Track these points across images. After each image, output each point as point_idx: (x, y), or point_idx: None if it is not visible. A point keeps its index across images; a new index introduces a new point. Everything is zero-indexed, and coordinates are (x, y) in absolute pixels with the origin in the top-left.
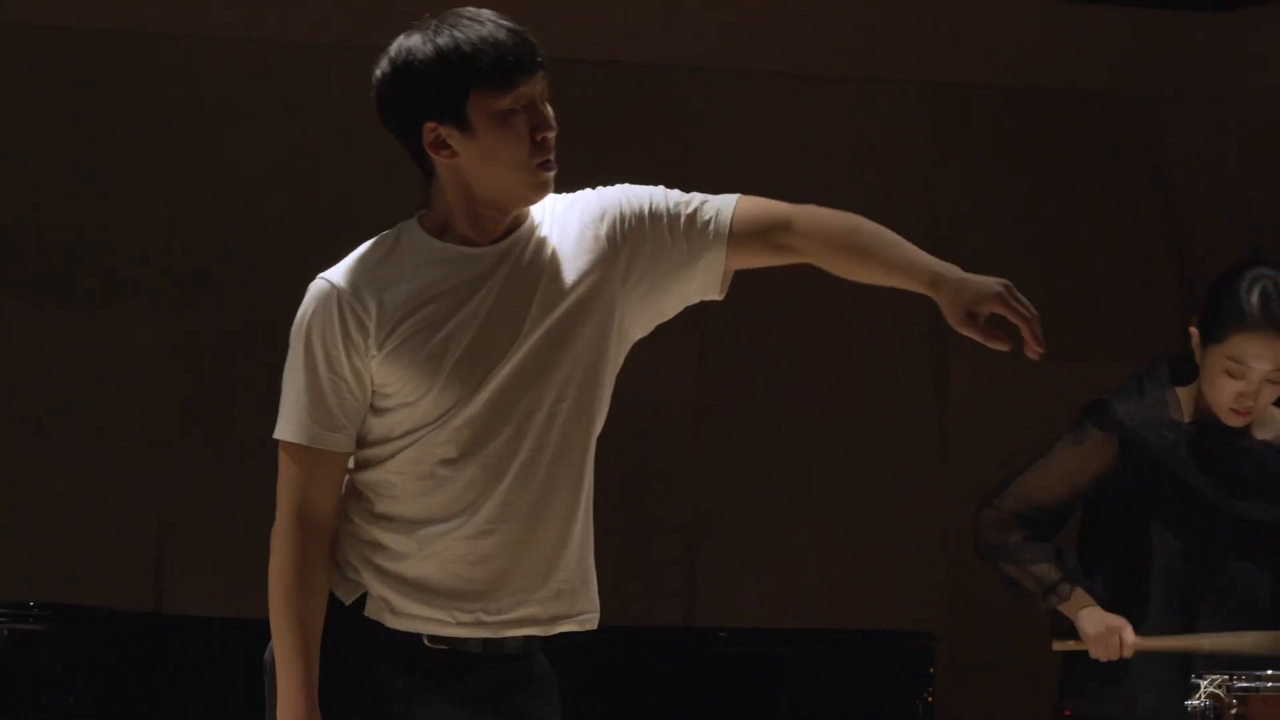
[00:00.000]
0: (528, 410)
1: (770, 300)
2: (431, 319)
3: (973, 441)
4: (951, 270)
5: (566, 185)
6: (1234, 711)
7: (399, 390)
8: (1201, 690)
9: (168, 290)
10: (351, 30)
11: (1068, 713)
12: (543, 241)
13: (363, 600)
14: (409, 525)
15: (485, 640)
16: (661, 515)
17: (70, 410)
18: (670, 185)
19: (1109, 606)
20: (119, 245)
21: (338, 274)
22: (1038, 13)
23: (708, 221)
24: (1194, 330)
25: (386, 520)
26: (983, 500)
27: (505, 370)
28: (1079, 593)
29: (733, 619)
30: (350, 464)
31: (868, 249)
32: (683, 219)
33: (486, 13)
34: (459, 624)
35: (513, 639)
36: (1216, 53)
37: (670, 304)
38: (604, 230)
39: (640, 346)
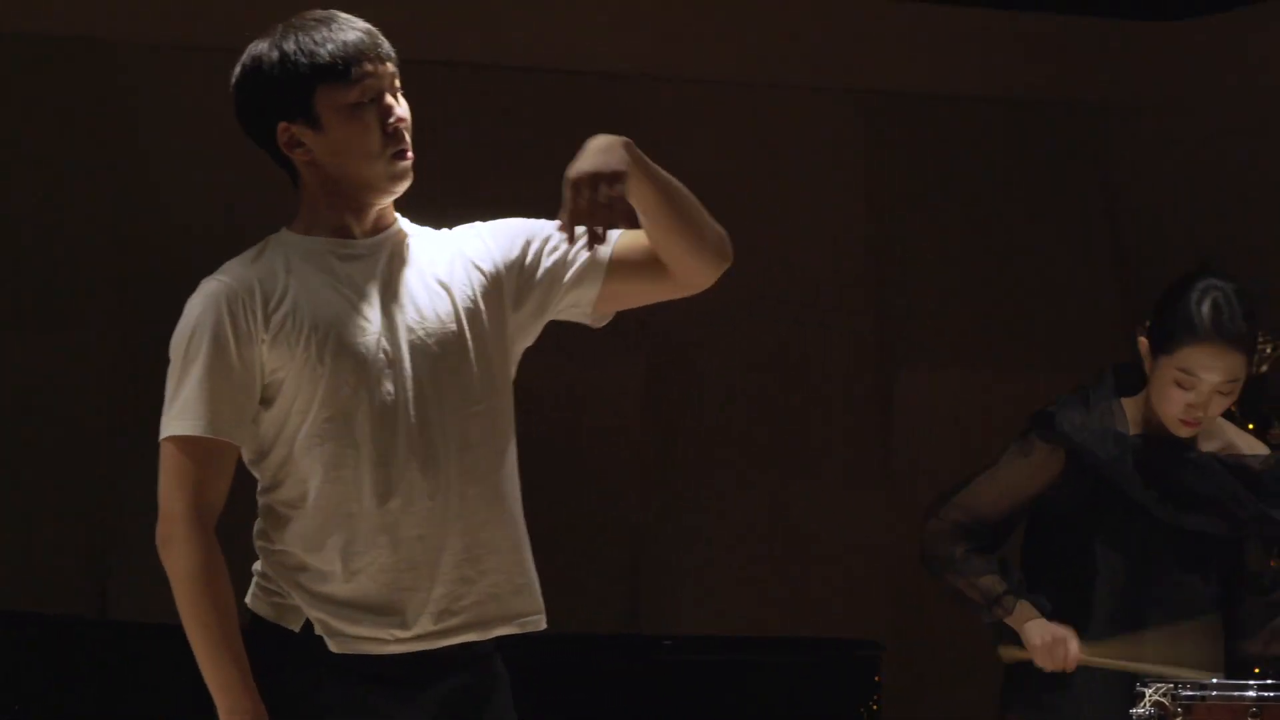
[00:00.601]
0: (426, 410)
1: (718, 312)
2: (311, 309)
3: (917, 451)
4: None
5: (513, 189)
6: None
7: (288, 381)
8: (1146, 699)
9: (110, 303)
10: None
11: None
12: (421, 245)
13: (309, 624)
14: (328, 540)
15: (425, 653)
16: (608, 525)
17: (13, 420)
18: None
19: (1053, 619)
20: (61, 262)
21: (220, 274)
22: (980, 22)
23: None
24: (1143, 340)
25: (305, 539)
26: (927, 511)
27: (398, 367)
28: (1024, 605)
29: (678, 628)
30: (261, 485)
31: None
32: (564, 248)
33: (335, 13)
34: (397, 640)
35: (452, 647)
36: (1159, 63)
37: (547, 319)
38: (493, 250)
39: (589, 357)
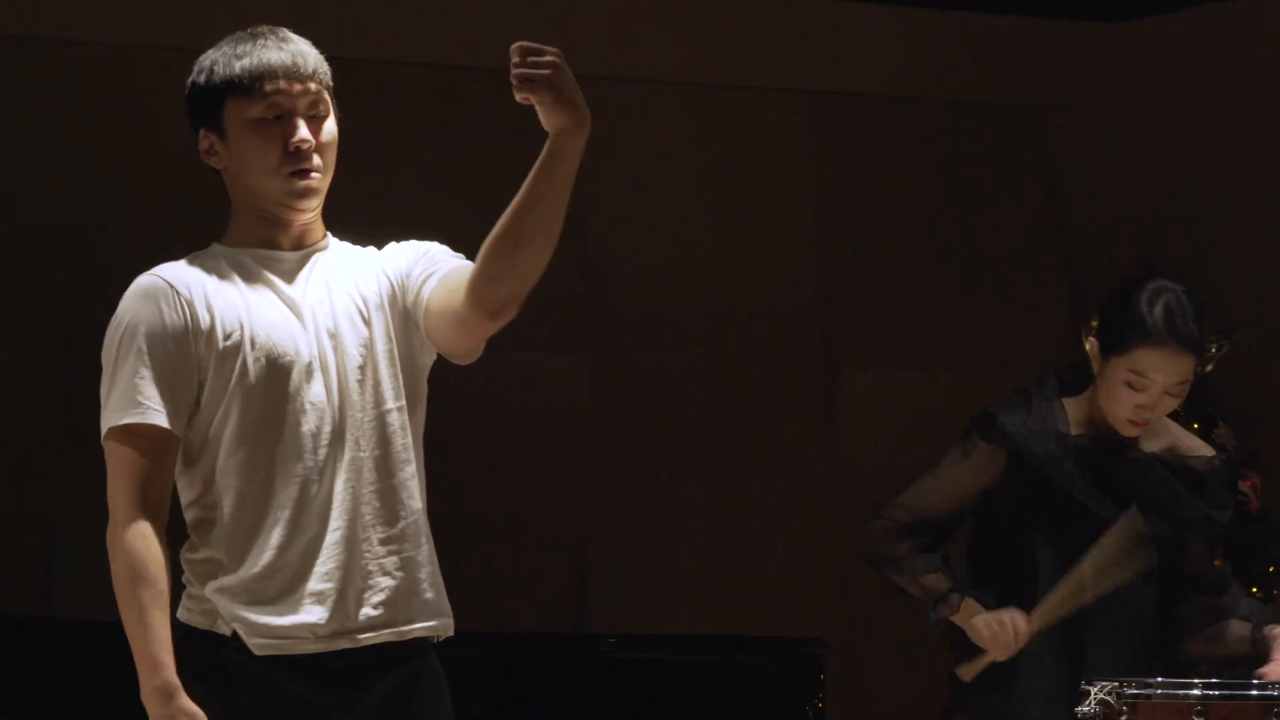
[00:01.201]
0: (346, 415)
1: (663, 310)
2: (238, 315)
3: (862, 449)
4: None
5: (451, 188)
6: (1124, 718)
7: (214, 383)
8: (1091, 697)
9: (54, 296)
10: None
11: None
12: (346, 260)
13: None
14: (247, 542)
15: (353, 652)
16: (554, 524)
17: None
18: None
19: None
20: (5, 252)
21: (154, 272)
22: (926, 23)
23: (418, 289)
24: (1091, 341)
25: (226, 542)
26: (870, 511)
27: (320, 373)
28: (968, 602)
29: (623, 626)
30: (186, 500)
31: (508, 215)
32: (412, 279)
33: (278, 30)
34: (316, 639)
35: (378, 647)
36: (1104, 65)
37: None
38: (396, 268)
39: (535, 356)
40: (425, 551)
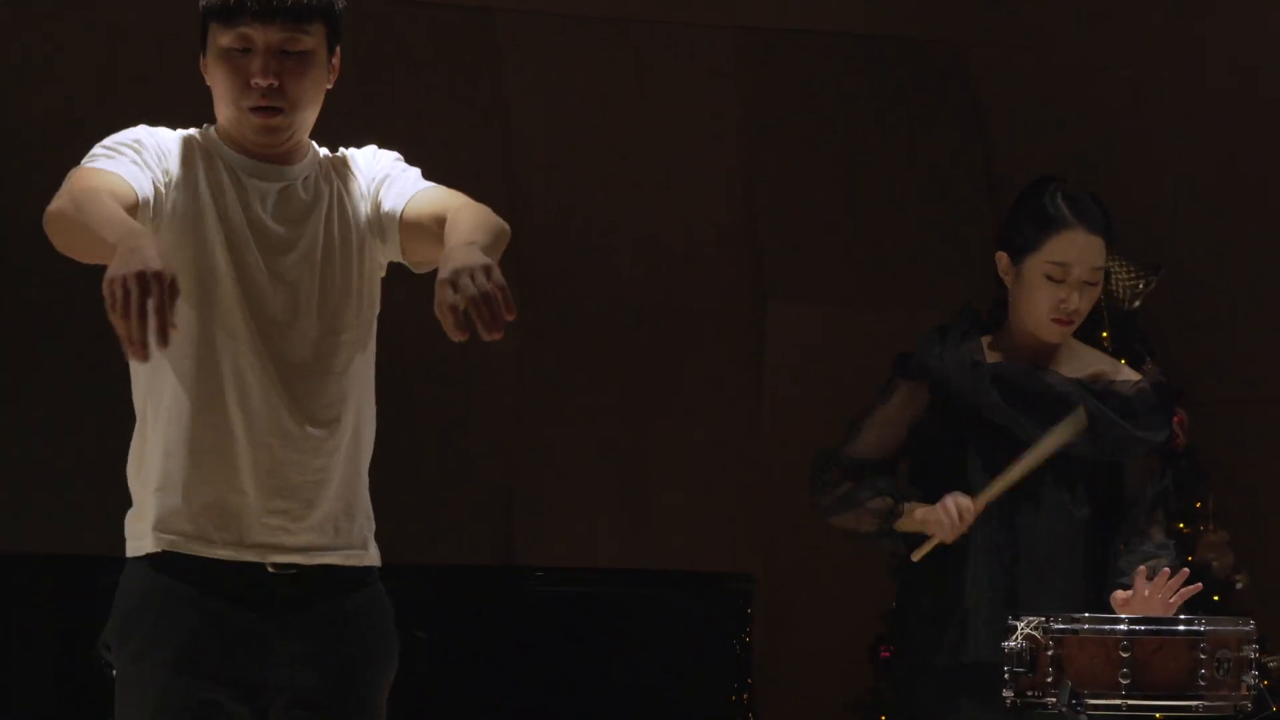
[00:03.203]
0: (295, 332)
1: (590, 244)
2: (206, 205)
3: (789, 387)
4: (459, 245)
5: (392, 123)
6: (1050, 653)
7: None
8: (1018, 632)
9: None
10: None
11: (885, 653)
12: (324, 177)
13: (174, 553)
14: (180, 445)
15: (275, 578)
16: (480, 459)
17: None
18: (489, 129)
19: (937, 548)
20: None
21: (158, 129)
22: None
23: (394, 203)
24: (1001, 255)
25: (163, 445)
26: (812, 468)
27: (273, 287)
28: (911, 504)
29: (550, 560)
30: (137, 405)
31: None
32: (383, 192)
33: None
34: (227, 545)
35: (312, 570)
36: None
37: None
38: (364, 184)
39: None
40: (353, 481)
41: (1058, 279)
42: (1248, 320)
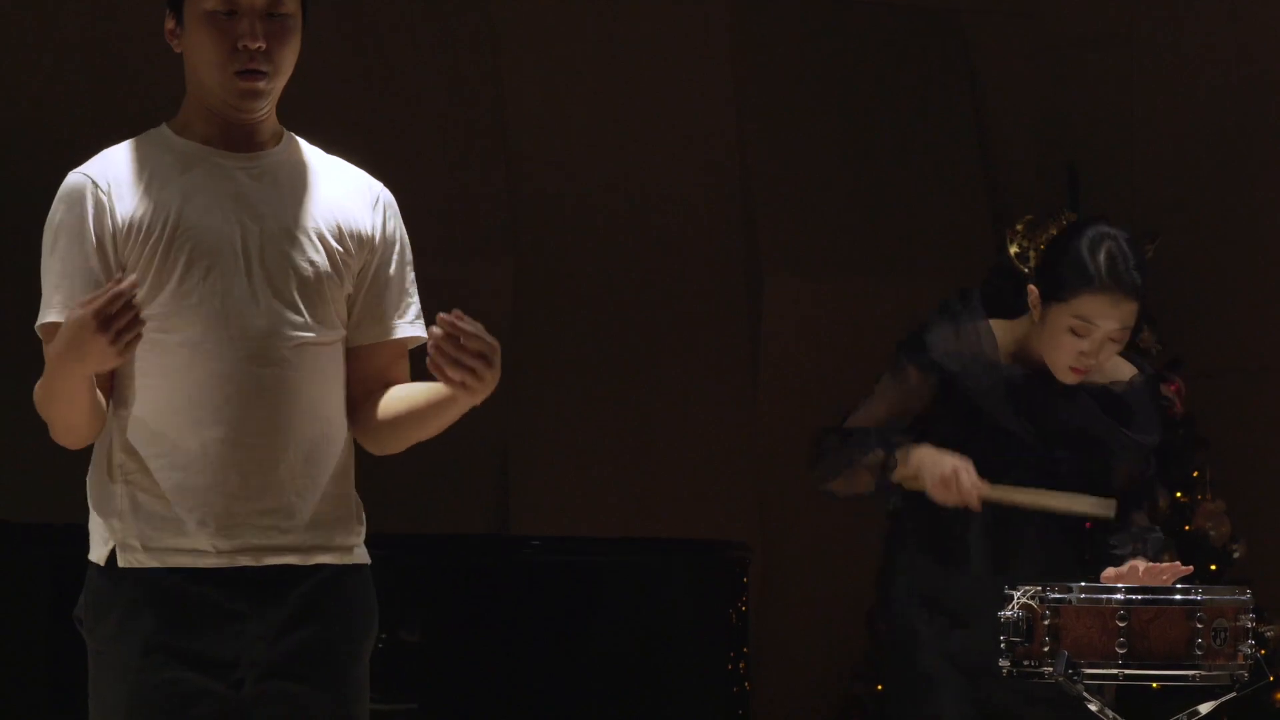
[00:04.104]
0: (266, 329)
1: (584, 216)
2: (168, 211)
3: (786, 356)
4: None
5: (387, 93)
6: (1046, 622)
7: (145, 280)
8: (1015, 601)
9: None
10: None
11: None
12: (314, 173)
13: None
14: (155, 444)
15: (245, 569)
16: (474, 430)
17: None
18: (483, 97)
19: (931, 543)
20: None
21: (86, 166)
22: None
23: (380, 325)
24: (1033, 288)
25: (142, 443)
26: (811, 441)
27: (246, 283)
28: (906, 448)
29: (546, 529)
30: (114, 400)
31: (397, 408)
32: (381, 299)
33: None
34: (217, 553)
35: (274, 567)
36: None
37: None
38: (374, 220)
39: (455, 261)
40: (337, 480)
41: (1081, 334)
42: (1244, 289)
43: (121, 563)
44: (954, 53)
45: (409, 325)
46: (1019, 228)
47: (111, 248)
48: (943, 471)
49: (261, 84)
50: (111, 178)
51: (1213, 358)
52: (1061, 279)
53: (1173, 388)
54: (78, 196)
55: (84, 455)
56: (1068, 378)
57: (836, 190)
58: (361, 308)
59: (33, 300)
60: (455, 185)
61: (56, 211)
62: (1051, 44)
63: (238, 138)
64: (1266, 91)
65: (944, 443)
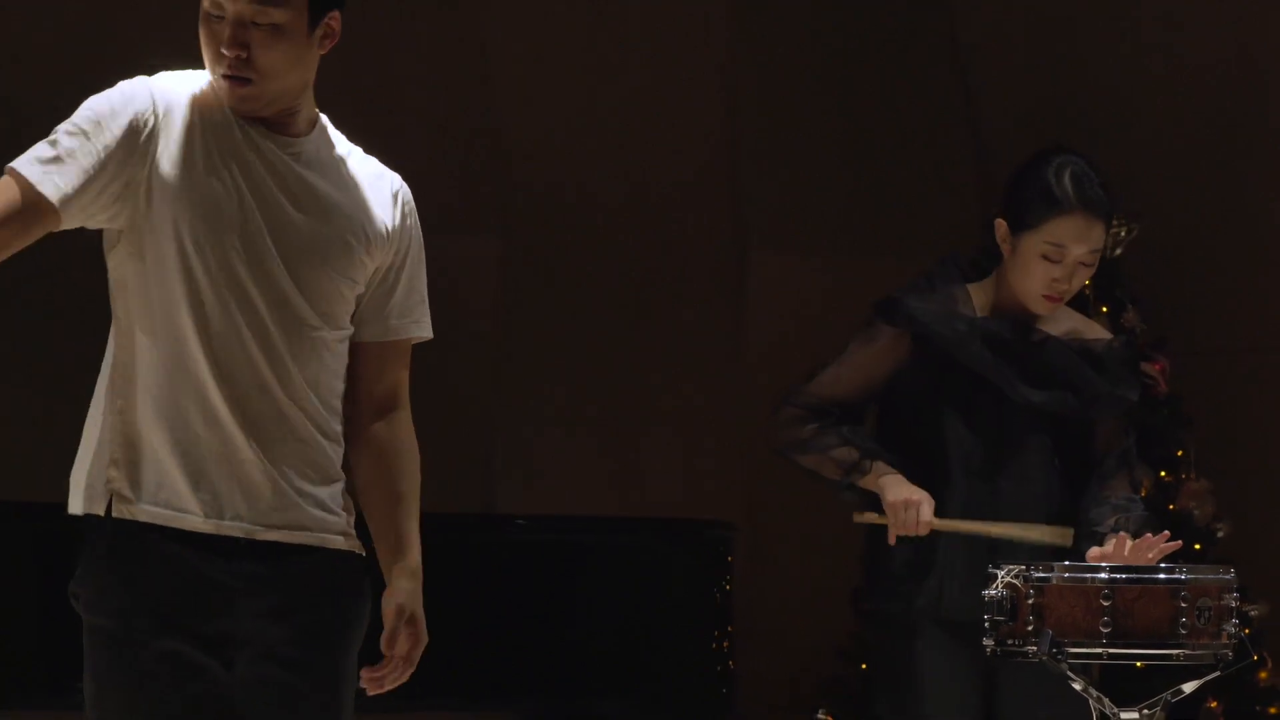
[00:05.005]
0: (271, 314)
1: (573, 192)
2: (199, 167)
3: (771, 334)
4: (408, 577)
5: (374, 62)
6: (1030, 601)
7: (158, 224)
8: (999, 580)
9: None
10: None
11: (864, 605)
12: (336, 160)
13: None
14: (152, 406)
15: (236, 540)
16: (461, 407)
17: None
18: (469, 70)
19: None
20: None
21: (160, 76)
22: None
23: (397, 329)
24: (1000, 221)
25: (134, 408)
26: (778, 401)
27: (255, 260)
28: (879, 465)
29: (532, 508)
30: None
31: (389, 495)
32: (395, 300)
33: None
34: (205, 521)
35: (265, 543)
36: None
37: None
38: (394, 218)
39: (443, 240)
40: (324, 471)
41: (1054, 259)
42: (1229, 269)
43: (116, 514)
44: (943, 28)
45: (414, 325)
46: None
47: (124, 167)
48: (909, 496)
49: (243, 90)
50: (169, 105)
51: (1197, 337)
52: (1030, 206)
53: (1157, 367)
54: (132, 101)
55: (69, 437)
56: (1041, 307)
57: (823, 166)
58: (369, 305)
59: (18, 287)
60: (442, 162)
61: (110, 97)
62: (1040, 21)
63: (273, 119)
64: (1256, 72)
65: (920, 395)
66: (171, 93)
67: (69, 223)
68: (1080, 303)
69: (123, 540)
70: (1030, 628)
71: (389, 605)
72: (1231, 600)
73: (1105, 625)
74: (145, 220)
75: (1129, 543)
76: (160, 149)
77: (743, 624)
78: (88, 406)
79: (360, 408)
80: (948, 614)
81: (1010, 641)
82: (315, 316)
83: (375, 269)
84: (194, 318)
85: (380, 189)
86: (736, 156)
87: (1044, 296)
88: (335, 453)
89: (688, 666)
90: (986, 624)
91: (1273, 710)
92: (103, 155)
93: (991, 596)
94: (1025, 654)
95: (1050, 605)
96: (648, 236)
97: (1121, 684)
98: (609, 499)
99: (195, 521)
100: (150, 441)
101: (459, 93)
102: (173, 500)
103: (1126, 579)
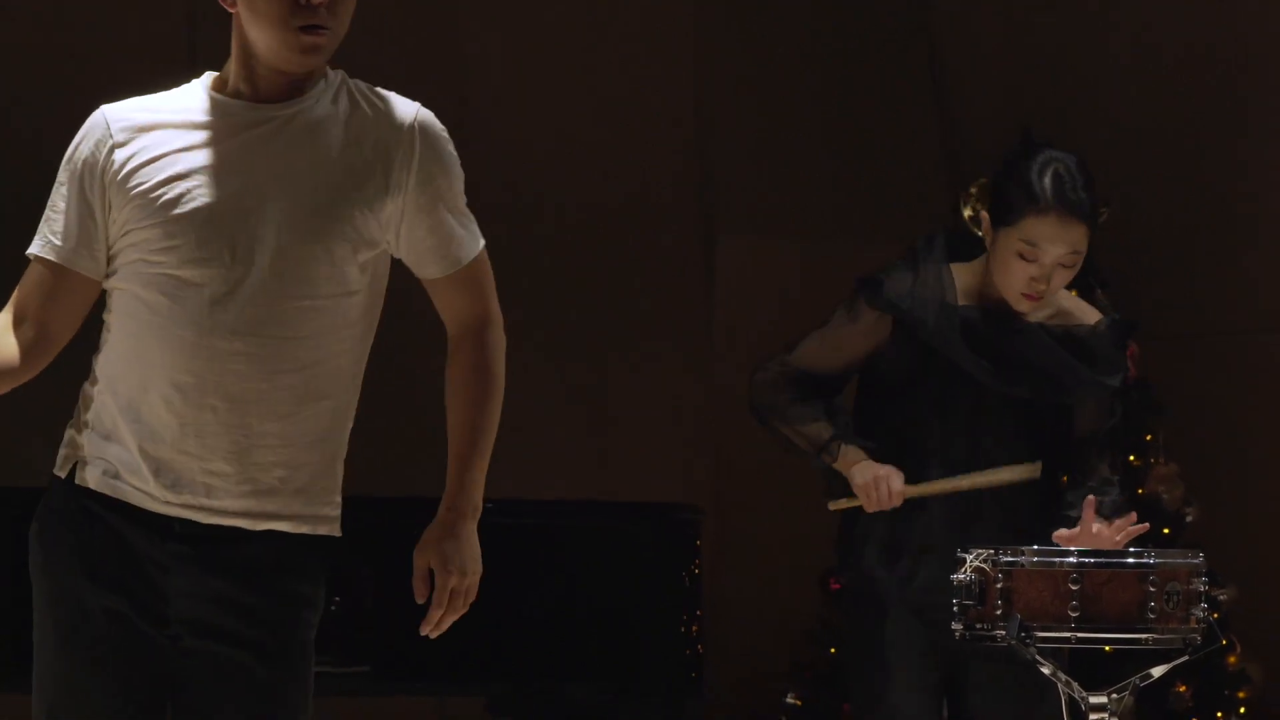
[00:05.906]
0: (264, 289)
1: (538, 175)
2: (180, 163)
3: (740, 316)
4: (462, 516)
5: (347, 47)
6: (999, 586)
7: (135, 224)
8: (968, 564)
9: None
10: None
11: (835, 585)
12: (334, 120)
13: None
14: (133, 381)
15: (188, 522)
16: (427, 389)
17: None
18: (442, 57)
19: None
20: None
21: (114, 105)
22: None
23: (445, 256)
24: (985, 215)
25: (121, 372)
26: (757, 365)
27: (247, 242)
28: (851, 449)
29: (500, 492)
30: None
31: (461, 424)
32: (440, 236)
33: None
34: (166, 503)
35: (221, 528)
36: None
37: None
38: (399, 165)
39: None
40: (309, 450)
41: (1029, 259)
42: (1200, 253)
43: (78, 480)
44: (914, 11)
45: (461, 252)
46: (973, 190)
47: (108, 192)
48: (875, 474)
49: (322, 39)
50: (127, 122)
51: (1167, 322)
52: (1009, 202)
53: (1128, 352)
54: (89, 134)
55: (50, 423)
56: (1021, 305)
57: (792, 149)
58: (412, 247)
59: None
60: None
61: (72, 144)
62: (1012, 6)
63: (279, 84)
64: (1228, 56)
65: (899, 376)
66: (125, 107)
67: (92, 272)
68: None
69: (74, 504)
70: (999, 612)
71: (416, 550)
72: (1200, 584)
73: (1074, 609)
74: (127, 224)
75: (1095, 527)
76: (122, 166)
77: (712, 607)
78: (74, 393)
79: (450, 330)
80: (918, 595)
81: (979, 626)
82: (301, 290)
83: (394, 214)
84: (168, 299)
85: (386, 136)
86: (705, 139)
87: (1022, 295)
88: (325, 428)
89: (657, 650)
90: (955, 608)
91: (1241, 694)
92: (89, 200)
93: (960, 580)
94: (994, 638)
95: (1019, 589)
96: (616, 220)
97: (1090, 669)
98: (577, 483)
99: (147, 500)
100: (120, 415)
101: (432, 80)
102: (129, 476)
103: (1095, 563)
